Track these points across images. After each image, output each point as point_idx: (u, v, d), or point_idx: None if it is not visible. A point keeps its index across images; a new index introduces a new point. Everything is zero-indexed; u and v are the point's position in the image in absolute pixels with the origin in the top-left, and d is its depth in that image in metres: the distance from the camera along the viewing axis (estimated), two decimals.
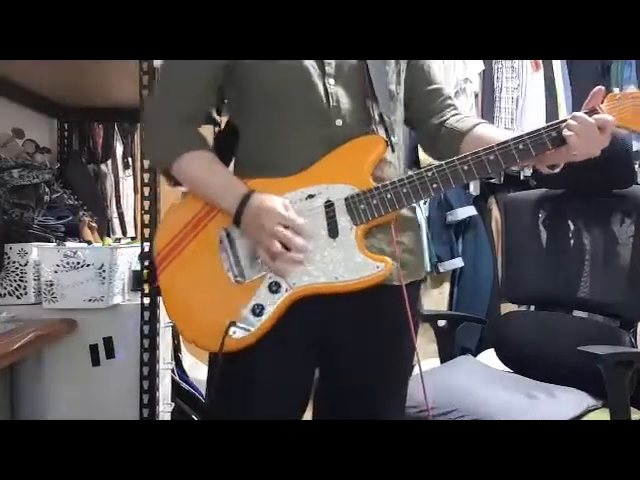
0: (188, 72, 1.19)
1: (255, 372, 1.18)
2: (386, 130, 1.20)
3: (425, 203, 3.29)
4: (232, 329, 1.13)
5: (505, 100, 3.29)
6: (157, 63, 1.68)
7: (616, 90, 3.21)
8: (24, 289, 1.78)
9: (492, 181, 3.28)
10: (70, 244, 1.89)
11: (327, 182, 1.15)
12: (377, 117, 1.20)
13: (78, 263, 1.73)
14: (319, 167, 1.16)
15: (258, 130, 1.20)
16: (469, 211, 3.25)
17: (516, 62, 3.30)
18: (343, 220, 1.14)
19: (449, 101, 1.33)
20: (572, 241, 1.95)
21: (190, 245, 1.19)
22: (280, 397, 1.19)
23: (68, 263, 1.73)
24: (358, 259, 1.13)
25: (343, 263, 1.13)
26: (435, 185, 1.13)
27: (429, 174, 1.13)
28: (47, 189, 1.97)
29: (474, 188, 3.31)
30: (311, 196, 1.15)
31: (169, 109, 1.21)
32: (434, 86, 1.32)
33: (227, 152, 1.25)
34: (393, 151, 1.22)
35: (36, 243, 1.81)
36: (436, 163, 1.15)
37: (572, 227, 1.96)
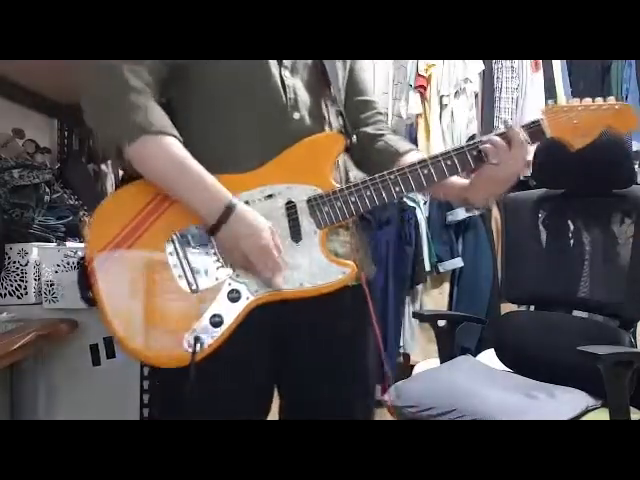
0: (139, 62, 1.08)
1: (209, 382, 1.07)
2: (345, 128, 1.18)
3: (425, 203, 3.30)
4: (186, 341, 1.04)
5: (505, 100, 3.29)
6: None
7: (616, 90, 3.22)
8: (24, 289, 1.78)
9: None
10: (70, 244, 1.89)
11: (287, 181, 1.10)
12: (333, 115, 1.19)
13: (80, 257, 1.73)
14: (278, 164, 1.11)
15: (212, 123, 1.12)
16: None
17: (516, 62, 3.30)
18: (306, 223, 1.10)
19: (381, 117, 1.32)
20: (572, 241, 1.95)
21: (134, 248, 1.07)
22: (238, 403, 1.12)
23: (68, 263, 1.73)
24: (323, 264, 1.09)
25: (308, 269, 1.09)
26: (397, 188, 1.11)
27: (391, 177, 1.11)
28: (47, 189, 1.97)
29: None
30: (270, 196, 1.09)
31: (127, 78, 1.06)
32: (367, 97, 1.30)
33: None
34: (348, 149, 1.19)
35: (36, 243, 1.81)
36: (395, 168, 1.13)
37: (572, 227, 1.96)
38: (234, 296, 1.07)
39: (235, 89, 1.12)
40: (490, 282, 3.24)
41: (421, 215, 3.21)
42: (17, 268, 1.78)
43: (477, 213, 3.21)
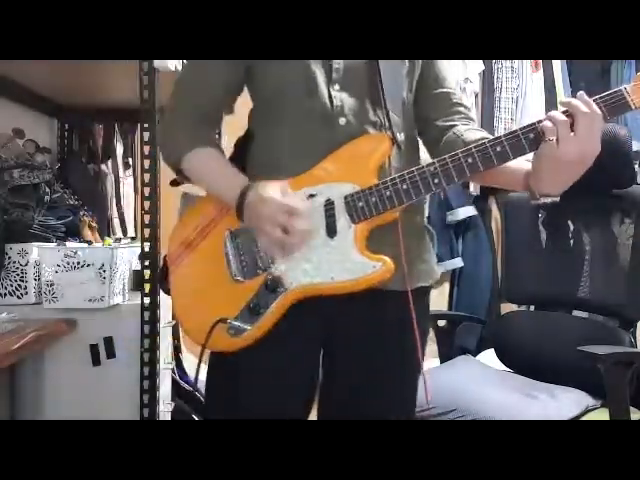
0: (206, 71, 1.22)
1: (256, 373, 1.18)
2: (391, 129, 1.17)
3: (425, 203, 3.29)
4: (229, 327, 1.14)
5: (505, 100, 3.29)
6: (157, 63, 1.68)
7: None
8: (24, 289, 1.78)
9: None
10: (70, 244, 1.89)
11: (329, 181, 1.14)
12: (383, 117, 1.18)
13: (78, 263, 1.73)
14: (322, 166, 1.15)
15: (264, 131, 1.22)
16: (469, 211, 3.25)
17: (516, 62, 3.30)
18: (342, 219, 1.12)
19: (459, 108, 1.28)
20: (572, 241, 1.96)
21: (200, 246, 1.22)
22: (282, 398, 1.19)
23: (68, 263, 1.73)
24: (355, 258, 1.11)
25: (339, 263, 1.11)
26: (437, 180, 1.08)
27: (431, 168, 1.09)
28: (47, 189, 1.97)
29: (474, 188, 3.31)
30: (312, 195, 1.14)
31: (184, 107, 1.25)
32: (444, 90, 1.28)
33: (245, 157, 1.26)
34: (400, 149, 1.19)
35: (36, 243, 1.81)
36: (435, 159, 1.10)
37: (572, 227, 1.97)
38: (272, 287, 1.14)
39: (285, 103, 1.18)
40: (490, 282, 3.25)
41: None
42: (17, 268, 1.78)
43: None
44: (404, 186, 1.10)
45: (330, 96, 1.17)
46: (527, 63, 3.30)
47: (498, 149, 1.06)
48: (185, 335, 1.25)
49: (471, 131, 1.22)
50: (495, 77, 3.32)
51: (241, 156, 1.26)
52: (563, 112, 1.04)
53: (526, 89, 3.30)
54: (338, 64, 1.18)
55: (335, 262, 1.12)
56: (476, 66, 3.29)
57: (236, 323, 1.14)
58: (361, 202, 1.11)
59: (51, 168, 2.12)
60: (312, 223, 1.12)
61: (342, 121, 1.16)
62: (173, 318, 2.05)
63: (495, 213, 3.36)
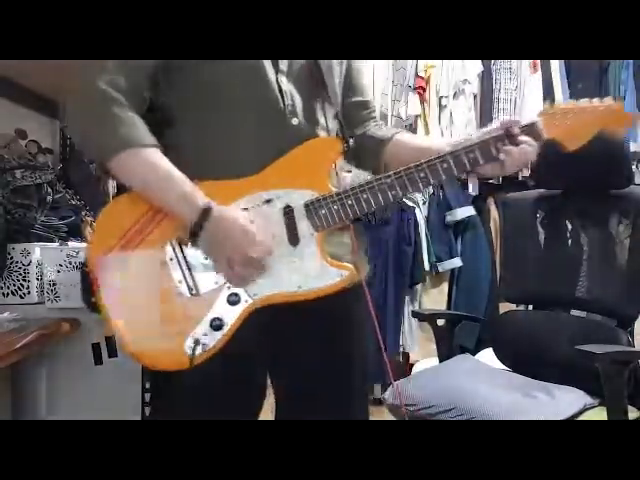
0: (125, 63, 1.10)
1: (207, 386, 1.10)
2: (342, 131, 1.18)
3: (425, 203, 3.31)
4: (190, 345, 1.06)
5: (503, 101, 3.31)
6: None
7: (614, 90, 3.23)
8: (27, 289, 1.79)
9: (491, 181, 3.30)
10: (73, 244, 1.90)
11: (285, 186, 1.11)
12: (331, 118, 1.19)
13: (81, 263, 1.74)
14: (276, 169, 1.11)
15: (209, 128, 1.13)
16: (468, 211, 3.26)
17: (514, 63, 3.32)
18: (303, 226, 1.10)
19: (373, 114, 1.34)
20: (570, 241, 1.96)
21: (135, 253, 1.09)
22: (231, 409, 1.13)
23: (71, 263, 1.74)
24: (320, 267, 1.10)
25: (305, 271, 1.09)
26: (394, 192, 1.11)
27: (388, 180, 1.11)
28: (50, 189, 1.98)
29: (473, 188, 3.33)
30: (269, 201, 1.10)
31: (104, 90, 1.07)
32: (363, 98, 1.32)
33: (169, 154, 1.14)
34: (346, 152, 1.19)
35: (39, 243, 1.82)
36: (391, 171, 1.13)
37: (570, 227, 1.97)
38: (234, 299, 1.09)
39: (232, 94, 1.12)
40: (489, 282, 3.26)
41: (420, 215, 3.22)
42: (20, 268, 1.79)
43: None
44: (364, 195, 1.11)
45: (280, 89, 1.13)
46: (525, 64, 3.32)
47: (445, 166, 1.11)
48: (135, 359, 1.11)
49: (382, 129, 1.30)
50: (494, 78, 3.34)
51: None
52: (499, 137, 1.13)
53: (524, 90, 3.31)
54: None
55: (300, 271, 1.09)
56: (474, 67, 3.30)
57: (199, 340, 1.06)
58: (323, 210, 1.10)
59: (53, 168, 2.12)
60: (272, 230, 1.09)
61: (294, 121, 1.14)
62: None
63: (494, 213, 3.37)
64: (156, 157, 1.08)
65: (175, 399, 1.14)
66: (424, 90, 3.29)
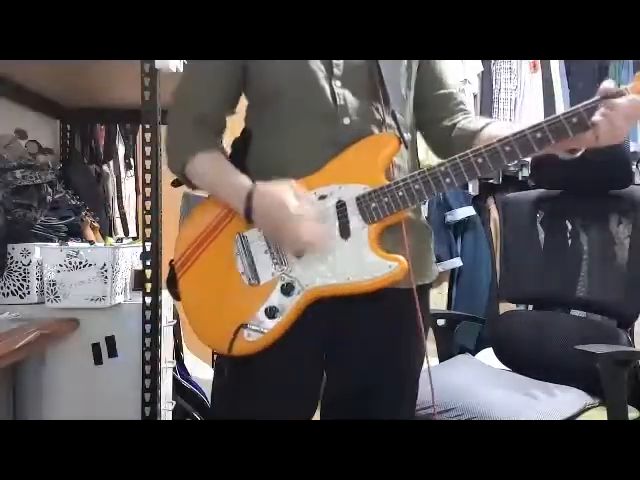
0: (205, 74, 1.22)
1: (265, 374, 1.18)
2: (399, 129, 1.18)
3: (424, 203, 3.30)
4: (245, 331, 1.14)
5: (503, 101, 3.30)
6: (158, 64, 1.68)
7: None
8: (27, 289, 1.79)
9: (491, 181, 3.30)
10: (72, 244, 1.89)
11: (339, 182, 1.14)
12: (388, 116, 1.19)
13: (80, 263, 1.74)
14: (330, 167, 1.15)
15: (266, 132, 1.20)
16: (468, 211, 3.26)
17: (514, 63, 3.31)
18: (355, 220, 1.13)
19: (461, 106, 1.31)
20: (570, 241, 1.96)
21: (208, 249, 1.20)
22: (290, 400, 1.19)
23: (71, 263, 1.74)
24: (370, 259, 1.12)
25: (355, 263, 1.12)
26: (448, 179, 1.10)
27: (442, 168, 1.11)
28: (50, 189, 1.98)
29: (473, 188, 3.33)
30: (323, 197, 1.14)
31: (186, 112, 1.23)
32: (446, 90, 1.31)
33: (244, 157, 1.25)
34: (407, 148, 1.21)
35: (39, 243, 1.81)
36: (446, 159, 1.12)
37: (570, 227, 1.97)
38: (287, 289, 1.14)
39: (288, 99, 1.17)
40: (489, 282, 3.25)
41: None
42: (19, 268, 1.79)
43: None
44: (416, 186, 1.11)
45: (333, 92, 1.16)
46: (525, 64, 3.31)
47: (507, 149, 1.08)
48: (201, 341, 1.23)
49: (474, 121, 1.25)
50: (494, 78, 3.33)
51: (239, 157, 1.24)
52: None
53: (524, 90, 3.31)
54: (338, 60, 1.18)
55: (350, 263, 1.12)
56: (475, 67, 3.30)
57: (254, 327, 1.14)
58: (374, 203, 1.12)
59: (53, 169, 2.12)
60: (323, 224, 1.13)
61: (346, 121, 1.16)
62: (174, 318, 2.06)
63: (494, 213, 3.36)
64: (216, 158, 1.22)
65: (235, 386, 1.21)
66: None
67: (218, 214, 1.21)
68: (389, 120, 1.20)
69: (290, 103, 1.17)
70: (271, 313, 1.14)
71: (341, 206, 1.14)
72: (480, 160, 1.09)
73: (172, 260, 1.25)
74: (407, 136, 1.22)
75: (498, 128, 1.20)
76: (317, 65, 1.17)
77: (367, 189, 1.13)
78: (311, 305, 1.15)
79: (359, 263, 1.12)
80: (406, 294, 1.15)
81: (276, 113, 1.18)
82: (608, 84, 1.08)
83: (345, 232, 1.13)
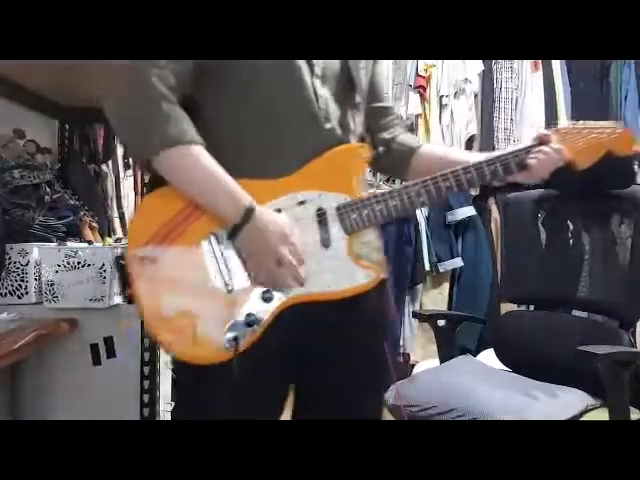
0: (165, 63, 1.09)
1: (233, 381, 1.08)
2: (372, 138, 1.23)
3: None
4: (221, 339, 1.08)
5: (504, 100, 3.30)
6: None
7: (616, 89, 3.22)
8: (25, 289, 1.79)
9: None
10: (71, 244, 1.89)
11: (319, 189, 1.14)
12: (360, 124, 1.23)
13: (79, 263, 1.73)
14: (310, 171, 1.14)
15: (244, 130, 1.14)
16: (468, 211, 3.26)
17: (515, 62, 3.31)
18: (335, 229, 1.14)
19: (397, 120, 1.39)
20: (571, 241, 1.96)
21: (172, 247, 1.10)
22: (256, 406, 1.13)
23: (69, 263, 1.74)
24: (350, 268, 1.14)
25: (335, 273, 1.13)
26: (421, 199, 1.16)
27: (416, 188, 1.16)
28: (48, 189, 1.98)
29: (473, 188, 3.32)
30: (302, 203, 1.13)
31: (155, 84, 1.07)
32: (386, 104, 1.37)
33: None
34: (375, 160, 1.25)
35: (37, 243, 1.81)
36: (418, 179, 1.17)
37: (571, 227, 1.97)
38: (267, 296, 1.11)
39: (269, 95, 1.14)
40: (490, 282, 3.25)
41: (421, 215, 3.22)
42: (18, 268, 1.78)
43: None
44: (393, 202, 1.15)
45: (315, 91, 1.15)
46: (527, 63, 3.31)
47: (468, 176, 1.17)
48: (164, 348, 1.14)
49: (411, 137, 1.38)
50: (495, 77, 3.33)
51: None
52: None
53: (525, 89, 3.30)
54: (317, 61, 1.16)
55: (330, 271, 1.13)
56: (475, 66, 3.30)
57: (231, 335, 1.09)
58: (354, 214, 1.14)
59: (51, 168, 2.12)
60: (305, 231, 1.12)
61: (328, 125, 1.16)
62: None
63: (495, 213, 3.36)
64: (202, 155, 1.09)
65: (200, 393, 1.15)
66: (424, 89, 3.29)
67: (183, 207, 1.10)
68: (360, 128, 1.23)
69: (272, 101, 1.13)
70: (250, 321, 1.10)
71: (322, 215, 1.14)
72: (447, 184, 1.17)
73: (123, 258, 1.19)
74: (379, 149, 1.29)
75: (434, 147, 1.39)
76: (300, 61, 1.14)
77: (346, 199, 1.14)
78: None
79: (339, 272, 1.13)
80: (378, 291, 1.18)
81: (256, 111, 1.13)
82: (543, 131, 1.22)
83: (325, 241, 1.14)
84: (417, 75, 3.28)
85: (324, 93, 1.16)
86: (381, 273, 1.16)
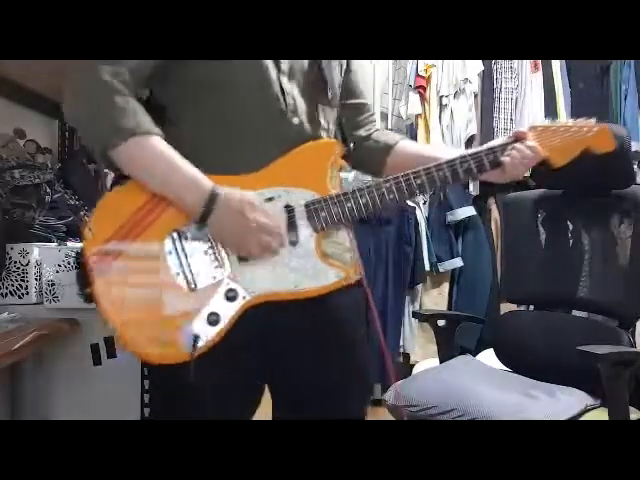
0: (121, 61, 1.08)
1: (202, 383, 1.07)
2: (343, 134, 1.21)
3: (425, 203, 3.30)
4: (184, 339, 1.05)
5: (504, 100, 3.30)
6: None
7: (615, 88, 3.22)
8: (25, 289, 1.79)
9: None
10: (71, 244, 1.90)
11: (286, 185, 1.12)
12: (332, 120, 1.21)
13: (77, 253, 1.73)
14: (277, 167, 1.12)
15: (207, 126, 1.12)
16: (468, 211, 3.26)
17: (515, 62, 3.31)
18: (303, 226, 1.11)
19: (373, 117, 1.38)
20: (571, 241, 1.96)
21: (133, 245, 1.08)
22: (224, 405, 1.12)
23: (69, 263, 1.74)
24: (318, 267, 1.11)
25: (303, 271, 1.10)
26: (392, 196, 1.14)
27: (387, 185, 1.14)
28: (48, 189, 1.98)
29: (474, 188, 3.32)
30: (270, 199, 1.11)
31: (109, 80, 1.05)
32: (362, 100, 1.36)
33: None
34: (349, 157, 1.23)
35: (37, 243, 1.81)
36: (389, 176, 1.16)
37: (571, 227, 1.97)
38: (231, 295, 1.09)
39: (234, 93, 1.12)
40: (489, 282, 3.25)
41: (421, 215, 3.22)
42: (18, 268, 1.78)
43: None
44: (363, 199, 1.13)
45: (282, 88, 1.14)
46: (526, 63, 3.31)
47: (441, 174, 1.16)
48: (127, 348, 1.09)
49: (389, 135, 1.35)
50: (494, 77, 3.33)
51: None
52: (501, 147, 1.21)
53: (525, 89, 3.30)
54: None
55: (298, 270, 1.10)
56: (475, 66, 3.30)
57: (193, 335, 1.06)
58: (323, 212, 1.12)
59: (52, 168, 2.12)
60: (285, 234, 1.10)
61: (296, 121, 1.14)
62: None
63: (494, 213, 3.36)
64: (161, 145, 1.07)
65: (170, 395, 1.15)
66: (424, 89, 3.29)
67: (144, 204, 1.08)
68: (332, 125, 1.22)
69: (238, 98, 1.12)
70: (213, 320, 1.07)
71: (290, 211, 1.11)
72: (419, 181, 1.16)
73: (79, 255, 1.12)
74: (350, 145, 1.25)
75: (409, 144, 1.34)
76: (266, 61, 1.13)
77: (315, 196, 1.12)
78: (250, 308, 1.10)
79: (307, 271, 1.10)
80: (355, 290, 1.17)
81: (222, 107, 1.12)
82: (520, 129, 1.22)
83: (293, 238, 1.11)
84: (417, 75, 3.28)
85: (291, 88, 1.15)
86: (353, 273, 1.13)
